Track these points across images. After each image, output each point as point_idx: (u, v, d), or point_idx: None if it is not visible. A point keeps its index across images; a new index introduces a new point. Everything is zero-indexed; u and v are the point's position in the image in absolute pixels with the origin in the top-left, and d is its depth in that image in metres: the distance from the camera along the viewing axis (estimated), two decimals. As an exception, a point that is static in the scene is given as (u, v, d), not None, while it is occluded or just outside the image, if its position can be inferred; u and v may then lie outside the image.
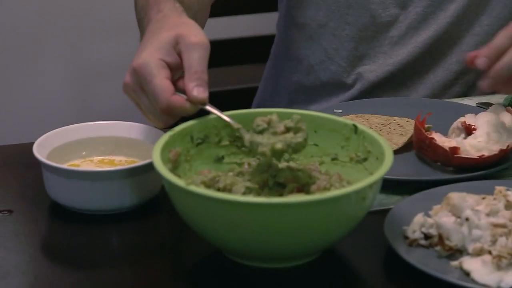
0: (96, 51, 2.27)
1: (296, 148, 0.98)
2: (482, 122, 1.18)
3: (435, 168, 1.16)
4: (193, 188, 0.91)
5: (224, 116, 1.03)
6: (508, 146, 1.14)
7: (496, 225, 0.95)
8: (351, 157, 1.03)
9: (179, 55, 1.05)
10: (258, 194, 0.97)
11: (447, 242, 0.96)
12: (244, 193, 0.96)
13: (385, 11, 1.43)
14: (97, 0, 2.24)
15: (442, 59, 1.43)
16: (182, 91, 1.03)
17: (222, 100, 1.80)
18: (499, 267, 0.92)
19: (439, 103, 1.32)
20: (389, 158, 0.96)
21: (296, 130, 0.98)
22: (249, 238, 0.91)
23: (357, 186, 0.91)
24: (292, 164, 1.01)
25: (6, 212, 1.08)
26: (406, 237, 0.98)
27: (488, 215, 0.97)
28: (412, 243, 0.98)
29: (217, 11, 1.76)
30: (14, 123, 2.27)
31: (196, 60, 1.03)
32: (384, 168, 0.94)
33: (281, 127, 0.98)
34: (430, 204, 1.02)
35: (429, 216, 1.00)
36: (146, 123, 1.12)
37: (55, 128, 1.12)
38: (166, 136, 1.00)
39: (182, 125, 1.02)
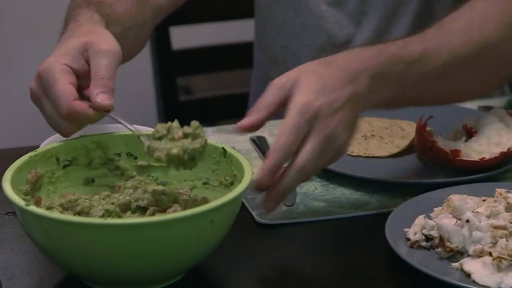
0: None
1: (193, 154, 0.95)
2: (483, 125, 1.19)
3: (436, 171, 1.17)
4: (32, 208, 0.89)
5: (127, 124, 1.01)
6: (509, 148, 1.15)
7: (496, 227, 0.96)
8: (220, 181, 1.01)
9: (87, 62, 1.02)
10: (119, 217, 0.96)
11: (448, 244, 0.97)
12: (102, 216, 0.95)
13: (341, 30, 1.44)
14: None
15: None
16: (88, 98, 1.00)
17: (216, 105, 1.82)
18: (499, 269, 0.92)
19: (440, 106, 1.33)
20: (243, 184, 0.93)
21: (195, 137, 0.96)
22: (91, 261, 0.89)
23: (197, 209, 0.89)
24: (158, 187, 1.00)
25: (11, 214, 1.09)
26: (408, 239, 0.99)
27: (488, 217, 0.97)
28: (413, 245, 0.99)
29: (205, 17, 1.78)
30: (14, 127, 2.28)
31: (103, 67, 1.01)
32: (231, 194, 0.91)
33: (179, 133, 0.96)
34: (431, 206, 1.03)
35: (430, 218, 1.01)
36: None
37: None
38: (26, 157, 0.99)
39: (46, 146, 1.02)
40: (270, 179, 0.98)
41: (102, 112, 0.99)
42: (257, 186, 0.98)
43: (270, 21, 1.48)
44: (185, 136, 0.97)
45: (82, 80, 1.02)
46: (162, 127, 0.98)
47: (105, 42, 1.03)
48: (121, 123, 1.01)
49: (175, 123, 0.98)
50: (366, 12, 1.42)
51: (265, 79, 1.52)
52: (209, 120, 1.89)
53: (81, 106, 0.99)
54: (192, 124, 0.97)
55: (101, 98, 0.99)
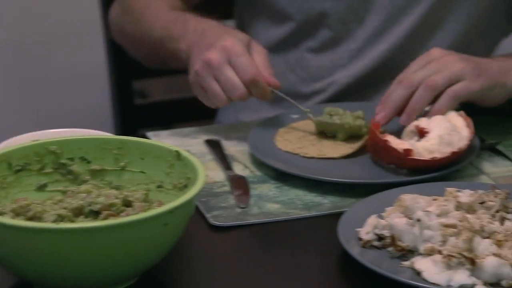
0: (49, 58, 2.26)
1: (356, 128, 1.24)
2: (434, 125, 1.20)
3: (388, 171, 1.18)
4: None
5: (293, 101, 1.28)
6: (459, 148, 1.17)
7: (446, 226, 0.97)
8: (174, 184, 1.01)
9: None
10: (72, 221, 0.96)
11: (399, 243, 0.98)
12: (55, 221, 0.95)
13: (344, 26, 1.46)
14: (57, 4, 2.24)
15: (396, 71, 1.47)
16: None
17: (172, 109, 1.82)
18: (449, 267, 0.94)
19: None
20: (196, 187, 0.93)
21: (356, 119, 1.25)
22: (44, 267, 0.89)
23: (150, 213, 0.89)
24: (111, 191, 1.00)
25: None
26: (360, 239, 1.00)
27: (439, 216, 0.99)
28: (366, 245, 1.00)
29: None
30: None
31: (264, 59, 1.25)
32: (184, 197, 0.91)
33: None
34: (383, 206, 1.04)
35: (382, 218, 1.02)
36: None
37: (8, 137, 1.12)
38: None
39: None
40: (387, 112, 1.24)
41: (273, 89, 1.24)
42: None
43: (264, 14, 1.49)
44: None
45: None
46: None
47: (258, 43, 1.28)
48: (288, 100, 1.28)
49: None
50: (371, 9, 1.44)
51: None
52: (165, 123, 1.89)
53: (263, 76, 1.22)
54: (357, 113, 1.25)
55: (273, 80, 1.24)
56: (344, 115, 1.26)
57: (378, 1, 1.44)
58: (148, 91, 2.09)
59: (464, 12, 1.44)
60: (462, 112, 1.24)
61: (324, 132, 1.27)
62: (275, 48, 1.50)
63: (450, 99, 1.21)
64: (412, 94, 1.22)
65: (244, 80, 1.21)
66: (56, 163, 1.04)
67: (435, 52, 1.25)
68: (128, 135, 1.06)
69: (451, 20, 1.44)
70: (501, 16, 1.48)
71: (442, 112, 1.21)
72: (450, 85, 1.21)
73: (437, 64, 1.23)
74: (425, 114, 1.23)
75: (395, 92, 1.23)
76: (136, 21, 1.47)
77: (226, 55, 1.22)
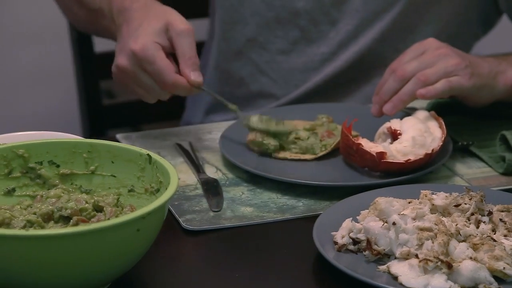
0: (15, 57, 2.23)
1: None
2: (407, 126, 1.20)
3: (362, 173, 1.17)
4: None
5: (219, 96, 1.23)
6: (433, 150, 1.17)
7: (422, 229, 0.96)
8: (146, 188, 1.00)
9: (170, 40, 1.18)
10: (42, 227, 0.95)
11: (375, 247, 0.97)
12: (24, 227, 0.94)
13: (316, 27, 1.45)
14: (17, 7, 2.21)
15: (365, 74, 1.46)
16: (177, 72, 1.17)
17: (140, 109, 1.80)
18: (425, 271, 0.93)
19: (364, 109, 1.34)
20: (169, 191, 0.92)
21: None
22: (14, 273, 0.87)
23: (122, 219, 0.87)
24: (82, 196, 0.99)
25: None
26: (335, 243, 0.99)
27: (414, 219, 0.98)
28: (341, 249, 0.99)
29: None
30: None
31: (187, 46, 1.17)
32: (157, 202, 0.90)
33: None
34: (358, 209, 1.03)
35: (357, 221, 1.01)
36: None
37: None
38: None
39: None
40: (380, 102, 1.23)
41: (195, 87, 1.17)
42: None
43: (238, 12, 1.47)
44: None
45: (167, 55, 1.18)
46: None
47: (182, 22, 1.19)
48: (213, 95, 1.24)
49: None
50: (344, 13, 1.43)
51: (225, 70, 1.51)
52: (133, 123, 1.87)
53: (182, 79, 1.17)
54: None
55: (194, 76, 1.17)
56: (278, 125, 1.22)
57: (351, 4, 1.43)
58: (115, 90, 2.06)
59: (435, 17, 1.44)
60: (433, 113, 1.24)
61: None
62: (244, 49, 1.49)
63: (446, 82, 1.19)
64: (403, 86, 1.20)
65: (162, 87, 1.18)
66: (24, 167, 1.02)
67: (431, 42, 1.24)
68: (96, 136, 1.05)
69: (422, 24, 1.44)
70: (473, 20, 1.48)
71: (436, 91, 1.19)
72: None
73: (431, 56, 1.22)
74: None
75: (388, 83, 1.22)
76: None
77: (137, 62, 1.17)
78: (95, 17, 1.35)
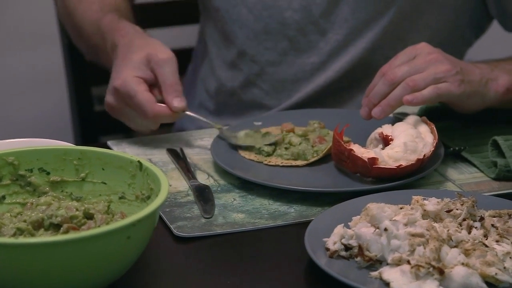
0: (5, 63, 2.22)
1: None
2: (398, 132, 1.20)
3: (354, 179, 1.17)
4: None
5: (203, 118, 1.24)
6: (424, 155, 1.16)
7: (413, 235, 0.96)
8: (136, 195, 1.00)
9: (152, 71, 1.22)
10: (32, 235, 0.95)
11: (366, 253, 0.97)
12: (14, 235, 0.93)
13: (305, 37, 1.44)
14: (8, 13, 2.20)
15: (357, 82, 1.46)
16: (160, 101, 1.21)
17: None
18: (417, 276, 0.93)
19: (357, 114, 1.34)
20: (160, 198, 0.91)
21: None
22: (3, 281, 0.86)
23: (113, 226, 0.87)
24: (72, 203, 0.98)
25: None
26: (327, 249, 0.99)
27: (406, 225, 0.98)
28: (333, 255, 0.99)
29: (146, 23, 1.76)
30: None
31: (168, 74, 1.21)
32: (148, 209, 0.89)
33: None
34: (350, 215, 1.03)
35: (349, 227, 1.01)
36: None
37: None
38: None
39: None
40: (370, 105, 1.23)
41: (179, 112, 1.20)
42: None
43: (227, 24, 1.47)
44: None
45: (151, 87, 1.22)
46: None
47: (162, 52, 1.23)
48: (197, 118, 1.25)
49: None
50: (333, 23, 1.43)
51: (218, 80, 1.51)
52: (125, 130, 1.86)
53: (164, 109, 1.20)
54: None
55: (176, 102, 1.21)
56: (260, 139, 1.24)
57: (340, 14, 1.42)
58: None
59: (425, 25, 1.44)
60: (424, 118, 1.24)
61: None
62: (234, 61, 1.48)
63: (434, 89, 1.19)
64: (393, 90, 1.20)
65: (145, 119, 1.22)
66: (14, 175, 1.02)
67: (423, 47, 1.24)
68: (88, 143, 1.04)
69: (413, 32, 1.44)
70: (464, 26, 1.48)
71: (423, 98, 1.18)
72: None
73: (422, 62, 1.21)
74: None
75: (377, 86, 1.21)
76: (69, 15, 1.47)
77: (119, 97, 1.23)
78: (96, 53, 1.41)
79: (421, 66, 1.21)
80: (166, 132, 1.38)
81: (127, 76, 1.21)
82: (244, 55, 1.47)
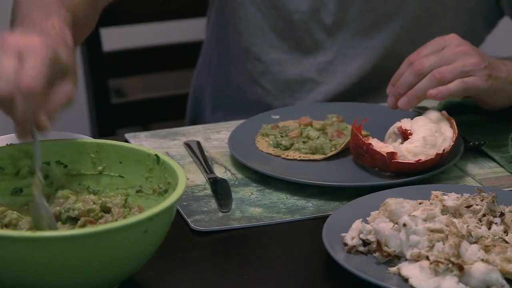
0: None
1: None
2: (418, 126, 1.19)
3: (372, 174, 1.16)
4: None
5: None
6: (444, 150, 1.15)
7: (433, 230, 0.95)
8: (154, 189, 0.99)
9: None
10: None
11: (385, 248, 0.96)
12: (31, 228, 0.93)
13: (311, 36, 1.43)
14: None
15: (372, 89, 1.45)
16: None
17: (149, 107, 1.80)
18: (436, 272, 0.92)
19: (375, 108, 1.33)
20: (177, 192, 0.91)
21: None
22: (20, 275, 0.86)
23: (130, 220, 0.87)
24: (89, 197, 0.98)
25: None
26: (345, 244, 0.98)
27: (425, 220, 0.97)
28: (351, 250, 0.98)
29: (135, 18, 1.75)
30: None
31: (39, 76, 0.94)
32: (165, 203, 0.89)
33: None
34: (368, 210, 1.02)
35: (367, 222, 1.00)
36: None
37: None
38: None
39: None
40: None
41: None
42: None
43: (232, 21, 1.46)
44: None
45: None
46: None
47: (40, 43, 0.99)
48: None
49: None
50: (341, 23, 1.42)
51: (225, 74, 1.50)
52: (142, 122, 1.86)
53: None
54: None
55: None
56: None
57: (348, 15, 1.41)
58: (124, 89, 2.06)
59: (440, 29, 1.42)
60: (444, 112, 1.23)
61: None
62: (239, 58, 1.48)
63: (460, 83, 1.17)
64: (420, 80, 1.19)
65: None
66: (31, 167, 1.01)
67: (453, 38, 1.22)
68: (105, 135, 1.04)
69: (427, 36, 1.42)
70: (478, 27, 1.46)
71: (448, 92, 1.17)
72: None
73: (450, 53, 1.19)
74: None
75: (404, 76, 1.20)
76: None
77: None
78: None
79: (449, 58, 1.19)
80: (184, 124, 1.38)
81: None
82: (248, 53, 1.46)
